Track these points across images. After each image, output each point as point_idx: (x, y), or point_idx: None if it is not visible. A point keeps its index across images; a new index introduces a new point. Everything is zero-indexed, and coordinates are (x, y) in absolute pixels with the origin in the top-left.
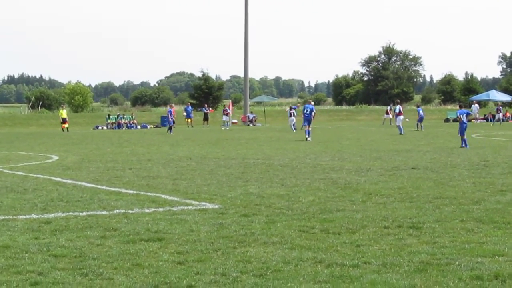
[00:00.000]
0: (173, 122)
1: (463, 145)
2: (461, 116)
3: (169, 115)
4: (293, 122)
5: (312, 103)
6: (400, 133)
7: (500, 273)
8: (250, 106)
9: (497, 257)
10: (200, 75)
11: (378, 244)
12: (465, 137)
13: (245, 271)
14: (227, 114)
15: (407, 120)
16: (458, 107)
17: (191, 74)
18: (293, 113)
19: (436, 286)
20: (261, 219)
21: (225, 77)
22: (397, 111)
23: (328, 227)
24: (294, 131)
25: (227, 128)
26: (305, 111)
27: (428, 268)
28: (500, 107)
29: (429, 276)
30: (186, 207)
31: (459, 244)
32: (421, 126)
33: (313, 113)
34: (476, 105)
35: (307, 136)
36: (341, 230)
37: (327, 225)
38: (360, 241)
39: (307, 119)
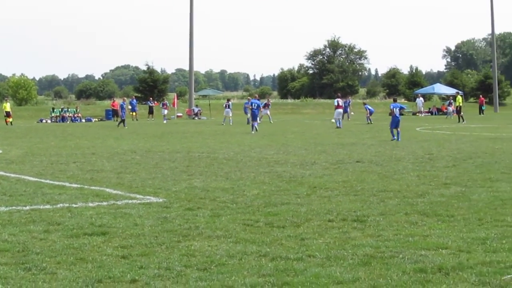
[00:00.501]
0: (124, 115)
1: (394, 137)
2: (394, 109)
3: (121, 108)
4: (229, 115)
5: (258, 97)
6: (337, 127)
7: (443, 265)
8: (195, 99)
9: (440, 250)
10: (145, 68)
11: (323, 237)
12: (399, 129)
13: (189, 265)
14: (166, 108)
15: (352, 113)
16: (397, 100)
17: (136, 67)
18: (229, 104)
19: (380, 279)
20: (205, 212)
21: (170, 70)
22: (335, 104)
23: (272, 221)
24: (230, 123)
25: (165, 122)
26: (252, 106)
27: (372, 261)
28: (452, 101)
29: (373, 269)
30: (130, 201)
31: (403, 237)
32: (370, 120)
33: (260, 108)
34: (421, 98)
35: (252, 129)
36: (286, 223)
37: (271, 218)
38: (304, 234)
39: (254, 114)
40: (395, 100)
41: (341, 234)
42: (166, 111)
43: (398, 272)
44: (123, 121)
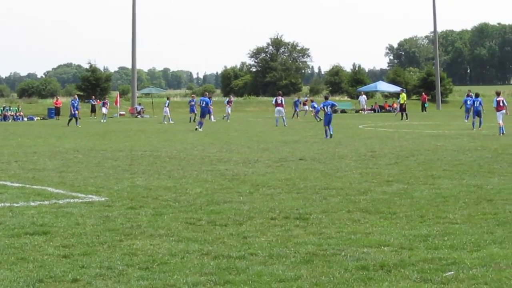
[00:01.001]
0: (76, 113)
1: (327, 136)
2: (325, 107)
3: (72, 107)
4: (167, 114)
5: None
6: (276, 125)
7: (385, 263)
8: (138, 97)
9: (382, 247)
10: (87, 66)
11: (265, 235)
12: (330, 126)
13: (131, 264)
14: (106, 107)
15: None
16: (328, 98)
17: (79, 66)
18: (168, 103)
19: (322, 277)
20: (148, 211)
21: (113, 68)
22: (277, 101)
23: (215, 219)
24: (171, 122)
25: (104, 121)
26: (201, 103)
27: (314, 259)
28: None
29: (315, 266)
30: (72, 200)
31: (345, 235)
32: (318, 117)
33: (209, 106)
34: (364, 96)
35: (198, 126)
36: (228, 221)
37: (214, 216)
38: (247, 232)
39: (203, 111)
40: (326, 98)
41: (284, 232)
42: (106, 110)
43: (340, 270)
44: (76, 119)
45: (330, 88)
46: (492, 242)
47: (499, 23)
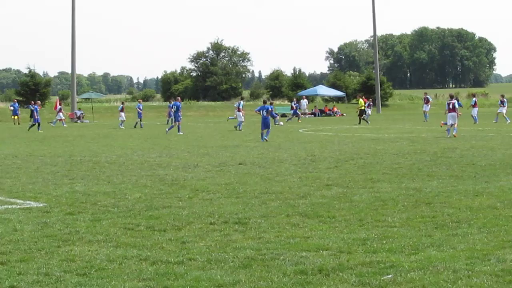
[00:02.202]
0: (38, 119)
1: (262, 139)
2: (261, 111)
3: (35, 112)
4: (123, 119)
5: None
6: (240, 129)
7: (324, 267)
8: (77, 102)
9: (321, 251)
10: (26, 71)
11: (204, 240)
12: (268, 130)
13: (68, 270)
14: (62, 112)
15: (235, 115)
16: (266, 102)
17: (18, 71)
18: (123, 107)
19: (261, 281)
20: (86, 217)
21: (52, 73)
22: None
23: (153, 224)
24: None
25: (53, 125)
26: (172, 108)
27: (253, 264)
28: (371, 103)
29: (253, 271)
30: (10, 206)
31: (284, 239)
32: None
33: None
34: (305, 100)
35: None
36: (167, 227)
37: (153, 222)
38: (185, 237)
39: (176, 116)
40: (265, 102)
41: (222, 237)
42: (62, 115)
43: (278, 274)
44: (38, 124)
45: (271, 92)
46: (430, 245)
47: (438, 27)
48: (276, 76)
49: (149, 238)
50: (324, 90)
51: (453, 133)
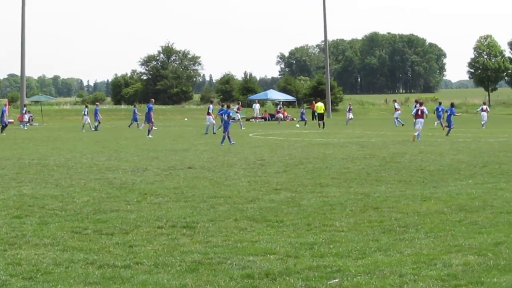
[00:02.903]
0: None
1: (229, 142)
2: (222, 115)
3: (3, 114)
4: (87, 121)
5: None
6: (206, 133)
7: (271, 271)
8: (27, 105)
9: (268, 255)
10: None
11: (151, 244)
12: (229, 134)
13: (14, 274)
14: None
15: (185, 119)
16: (230, 107)
17: None
18: (86, 111)
19: (207, 286)
20: (33, 220)
21: (1, 75)
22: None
23: (101, 228)
24: (91, 129)
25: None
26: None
27: (200, 268)
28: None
29: (200, 275)
30: None
31: (231, 243)
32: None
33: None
34: (258, 104)
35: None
36: (115, 230)
37: (100, 225)
38: (133, 241)
39: (147, 117)
40: (228, 107)
41: (170, 241)
42: (27, 117)
43: (225, 278)
44: (5, 126)
45: (221, 96)
46: (377, 249)
47: (388, 33)
48: (227, 80)
49: (96, 241)
50: (274, 95)
51: (415, 135)
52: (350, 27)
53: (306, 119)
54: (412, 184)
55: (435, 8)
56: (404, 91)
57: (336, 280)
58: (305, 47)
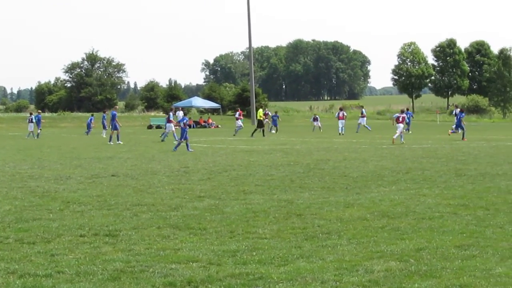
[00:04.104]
0: None
1: (188, 149)
2: (180, 123)
3: None
4: (31, 129)
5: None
6: (162, 140)
7: (193, 278)
8: None
9: (191, 263)
10: None
11: (73, 253)
12: (188, 142)
13: None
14: None
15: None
16: (186, 114)
17: None
18: (32, 118)
19: None
20: None
21: None
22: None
23: (23, 237)
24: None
25: None
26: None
27: (122, 276)
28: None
29: (122, 284)
30: None
31: (154, 251)
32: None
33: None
34: (181, 112)
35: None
36: (36, 239)
37: (22, 234)
38: (55, 250)
39: (113, 125)
40: (185, 114)
41: (92, 249)
42: None
43: (147, 287)
44: None
45: (146, 104)
46: (300, 256)
47: (313, 40)
48: (152, 87)
49: (17, 251)
50: (199, 102)
51: (394, 138)
52: (274, 34)
53: (277, 126)
54: (336, 191)
55: (359, 15)
56: (328, 98)
57: (259, 287)
58: (230, 54)
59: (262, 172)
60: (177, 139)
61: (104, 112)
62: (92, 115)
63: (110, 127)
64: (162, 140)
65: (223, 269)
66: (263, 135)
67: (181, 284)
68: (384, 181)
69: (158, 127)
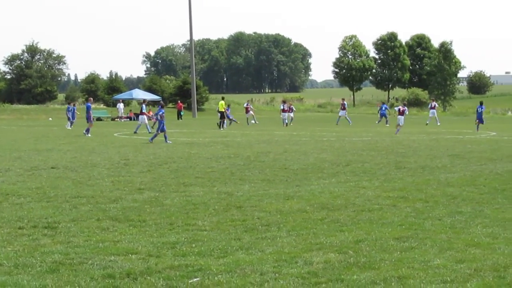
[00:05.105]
0: None
1: (167, 141)
2: (157, 115)
3: None
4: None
5: None
6: (136, 132)
7: (132, 270)
8: None
9: (130, 255)
10: None
11: (12, 245)
12: (166, 133)
13: None
14: None
15: (50, 119)
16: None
17: None
18: None
19: (68, 286)
20: None
21: None
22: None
23: None
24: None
25: None
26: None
27: (61, 268)
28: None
29: (61, 276)
30: None
31: (93, 243)
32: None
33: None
34: (122, 104)
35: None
36: None
37: None
38: None
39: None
40: (162, 106)
41: (31, 242)
42: None
43: (86, 279)
44: None
45: (86, 96)
46: (239, 248)
47: (255, 32)
48: (92, 79)
49: None
50: (140, 94)
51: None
52: (216, 27)
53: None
54: (276, 183)
55: (301, 8)
56: (270, 90)
57: (197, 279)
58: (171, 47)
59: (203, 164)
60: (150, 131)
61: (69, 104)
62: (74, 105)
63: (86, 119)
64: (135, 132)
65: (162, 261)
66: (220, 127)
67: (120, 276)
68: (324, 174)
69: (99, 119)
